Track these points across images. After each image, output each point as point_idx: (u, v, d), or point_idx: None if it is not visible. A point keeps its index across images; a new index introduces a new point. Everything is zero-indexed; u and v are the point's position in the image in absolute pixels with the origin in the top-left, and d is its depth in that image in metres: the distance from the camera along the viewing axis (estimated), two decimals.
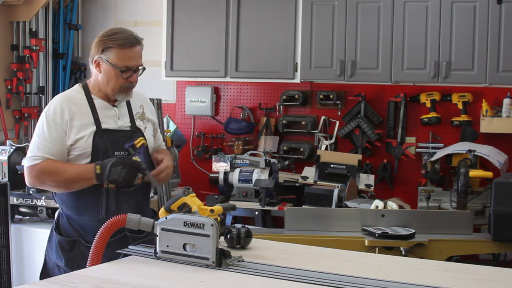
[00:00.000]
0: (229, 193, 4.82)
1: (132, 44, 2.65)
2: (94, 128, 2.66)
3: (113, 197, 2.65)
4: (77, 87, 2.77)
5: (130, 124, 2.76)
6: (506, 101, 4.67)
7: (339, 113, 5.15)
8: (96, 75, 2.72)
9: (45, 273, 2.76)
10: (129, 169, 2.57)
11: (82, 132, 2.64)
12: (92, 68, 2.71)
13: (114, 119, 2.73)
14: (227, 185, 4.83)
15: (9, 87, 5.31)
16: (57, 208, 4.30)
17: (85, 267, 2.39)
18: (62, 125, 2.63)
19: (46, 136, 2.63)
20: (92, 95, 2.72)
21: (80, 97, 2.71)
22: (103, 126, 2.68)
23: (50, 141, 2.62)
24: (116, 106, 2.75)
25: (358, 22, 4.74)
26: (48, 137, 2.62)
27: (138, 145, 2.68)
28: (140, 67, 2.71)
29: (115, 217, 2.38)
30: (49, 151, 2.62)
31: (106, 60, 2.64)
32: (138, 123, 2.79)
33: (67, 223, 2.70)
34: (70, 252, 2.66)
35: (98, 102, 2.72)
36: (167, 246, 2.26)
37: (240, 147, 5.26)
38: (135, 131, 2.75)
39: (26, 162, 2.66)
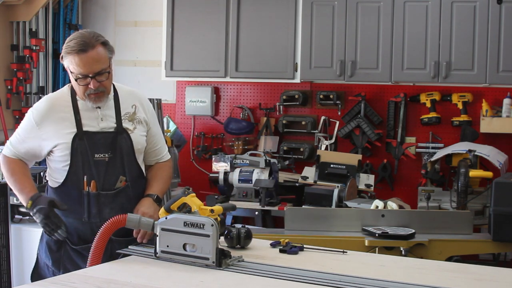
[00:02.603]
0: (229, 193, 4.82)
1: (81, 51, 2.51)
2: (74, 130, 2.63)
3: (94, 199, 2.63)
4: (66, 88, 2.74)
5: (115, 125, 2.69)
6: (506, 101, 4.67)
7: (339, 113, 5.15)
8: None
9: (36, 272, 2.77)
10: (46, 223, 2.51)
11: (63, 134, 2.63)
12: None
13: (97, 120, 2.67)
14: (227, 185, 4.83)
15: (9, 87, 5.32)
16: None
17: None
18: (41, 127, 2.64)
19: (26, 132, 2.69)
20: (77, 97, 2.67)
21: (67, 98, 2.68)
22: (85, 128, 2.64)
23: (25, 140, 2.69)
24: (100, 108, 2.67)
25: (358, 22, 4.74)
26: (26, 136, 2.69)
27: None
28: (103, 71, 2.56)
29: (115, 217, 2.39)
30: (23, 146, 2.69)
31: (68, 67, 2.61)
32: (126, 124, 2.71)
33: None
34: (57, 253, 2.66)
35: (81, 103, 2.67)
36: (167, 246, 2.27)
37: (240, 147, 5.25)
38: (120, 133, 2.68)
39: (5, 148, 2.76)
